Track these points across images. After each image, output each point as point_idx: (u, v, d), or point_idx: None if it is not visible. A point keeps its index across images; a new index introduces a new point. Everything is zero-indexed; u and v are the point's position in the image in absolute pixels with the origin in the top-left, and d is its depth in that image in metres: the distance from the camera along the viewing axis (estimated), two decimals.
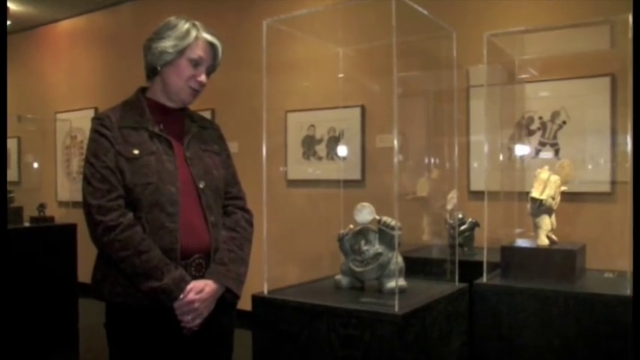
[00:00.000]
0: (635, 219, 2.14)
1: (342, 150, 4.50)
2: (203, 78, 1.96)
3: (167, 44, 1.91)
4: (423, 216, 3.76)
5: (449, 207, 3.30)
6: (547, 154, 3.57)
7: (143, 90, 2.02)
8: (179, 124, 2.01)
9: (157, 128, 1.92)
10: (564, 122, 3.53)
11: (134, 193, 1.83)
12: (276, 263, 2.44)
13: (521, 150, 3.65)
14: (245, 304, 2.19)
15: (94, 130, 1.87)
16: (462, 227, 3.40)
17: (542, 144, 3.60)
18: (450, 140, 3.31)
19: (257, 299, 2.30)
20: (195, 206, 1.92)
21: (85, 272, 1.97)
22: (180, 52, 1.91)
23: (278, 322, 2.23)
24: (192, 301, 1.82)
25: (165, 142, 1.92)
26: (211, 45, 1.97)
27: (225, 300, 1.94)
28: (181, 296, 1.81)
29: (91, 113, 6.01)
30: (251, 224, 2.10)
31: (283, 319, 2.21)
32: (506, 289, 2.63)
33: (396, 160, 2.18)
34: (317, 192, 4.49)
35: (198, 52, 1.93)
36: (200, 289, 1.85)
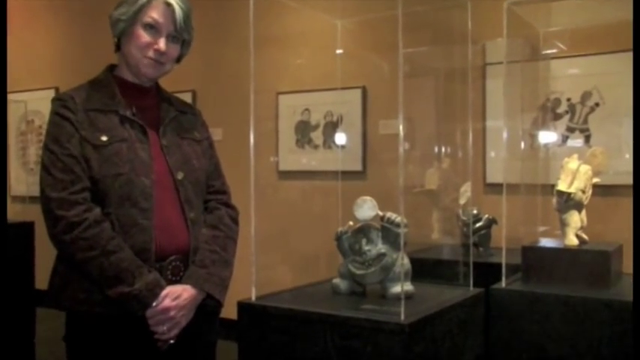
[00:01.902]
0: (635, 219, 2.25)
1: (340, 137, 4.50)
2: (162, 45, 1.91)
3: (121, 11, 1.91)
4: (432, 212, 3.77)
5: (462, 201, 3.31)
6: (576, 141, 3.58)
7: (113, 68, 2.02)
8: (155, 107, 2.01)
9: (129, 112, 1.91)
10: (597, 104, 3.53)
11: (102, 186, 1.82)
12: (266, 265, 2.44)
13: (546, 136, 3.66)
14: (230, 311, 2.19)
15: (55, 113, 1.86)
16: (477, 224, 3.41)
17: (571, 129, 3.61)
18: (464, 126, 3.32)
19: (243, 306, 2.31)
20: (173, 201, 1.92)
21: (42, 278, 1.97)
22: (134, 18, 1.89)
23: (267, 333, 2.24)
24: (167, 309, 1.81)
25: (139, 128, 1.91)
26: (168, 5, 1.91)
27: (206, 308, 1.94)
28: (155, 303, 1.80)
29: (50, 94, 5.99)
30: (236, 222, 2.10)
31: (273, 328, 2.22)
32: (529, 295, 2.64)
33: (401, 148, 2.19)
34: (312, 185, 4.49)
35: (153, 15, 1.90)
36: (177, 295, 1.84)
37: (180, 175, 1.94)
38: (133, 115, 1.92)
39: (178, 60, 2.03)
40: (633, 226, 2.26)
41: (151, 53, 1.91)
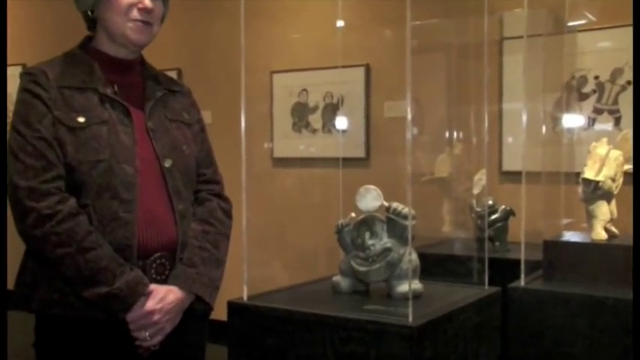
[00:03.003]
0: (635, 216, 2.28)
1: (341, 121, 4.51)
2: (147, 1, 1.88)
3: None
4: (442, 202, 3.77)
5: (476, 191, 3.31)
6: (605, 124, 3.57)
7: (91, 39, 1.99)
8: (139, 85, 2.00)
9: (110, 90, 1.90)
10: (629, 82, 3.51)
11: (78, 174, 1.81)
12: (259, 262, 2.44)
13: (571, 119, 3.65)
14: (219, 312, 2.20)
15: (25, 89, 1.83)
16: (493, 216, 3.42)
17: (599, 111, 3.60)
18: (478, 108, 3.32)
19: (234, 307, 2.30)
20: (159, 191, 1.92)
21: (9, 276, 1.97)
22: None
23: (260, 336, 2.23)
24: (151, 312, 1.81)
25: (121, 109, 1.90)
26: None
27: (195, 311, 1.95)
28: (137, 305, 1.80)
29: (16, 71, 5.92)
30: (230, 216, 2.11)
31: (267, 331, 2.22)
32: (551, 295, 2.65)
33: (409, 133, 2.19)
34: (310, 173, 4.50)
35: None
36: (161, 297, 1.84)
37: (167, 163, 1.93)
38: (114, 93, 1.90)
39: (162, 20, 2.00)
40: (634, 225, 2.26)
41: (135, 14, 1.88)
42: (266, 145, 4.79)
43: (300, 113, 4.71)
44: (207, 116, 4.62)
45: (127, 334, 1.83)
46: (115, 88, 1.92)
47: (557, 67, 3.61)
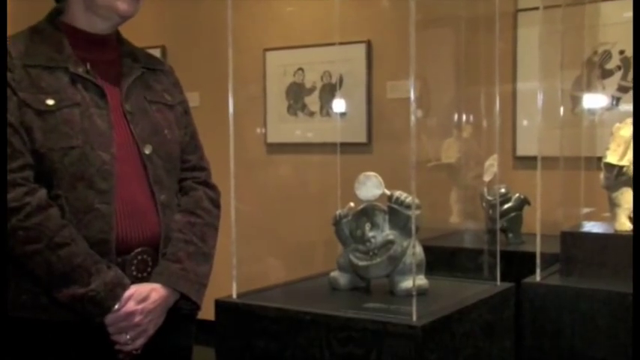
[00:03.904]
0: (635, 213, 2.32)
1: (340, 103, 4.50)
2: None
3: None
4: (450, 190, 3.77)
5: (487, 178, 3.31)
6: (631, 104, 3.55)
7: (59, 13, 1.96)
8: (115, 63, 1.98)
9: (82, 69, 1.88)
10: None
11: (49, 162, 1.80)
12: (250, 256, 2.44)
13: (592, 99, 3.65)
14: (207, 311, 2.19)
15: None
16: (506, 206, 3.43)
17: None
18: (489, 87, 3.30)
19: (222, 305, 2.29)
20: (139, 180, 1.91)
21: None
22: None
23: (251, 337, 2.23)
24: (131, 314, 1.81)
25: (95, 90, 1.88)
26: None
27: (180, 311, 1.95)
28: (116, 307, 1.80)
29: None
30: (217, 205, 2.11)
31: (259, 332, 2.22)
32: (569, 291, 2.65)
33: (413, 116, 2.18)
34: (307, 160, 4.51)
35: None
36: (143, 297, 1.84)
37: (148, 149, 1.93)
38: (86, 72, 1.89)
39: None
40: (633, 223, 2.25)
41: None
42: (259, 130, 4.80)
43: (296, 95, 4.71)
44: (194, 98, 4.63)
45: (105, 337, 1.83)
46: (88, 66, 1.90)
47: (578, 42, 3.60)
